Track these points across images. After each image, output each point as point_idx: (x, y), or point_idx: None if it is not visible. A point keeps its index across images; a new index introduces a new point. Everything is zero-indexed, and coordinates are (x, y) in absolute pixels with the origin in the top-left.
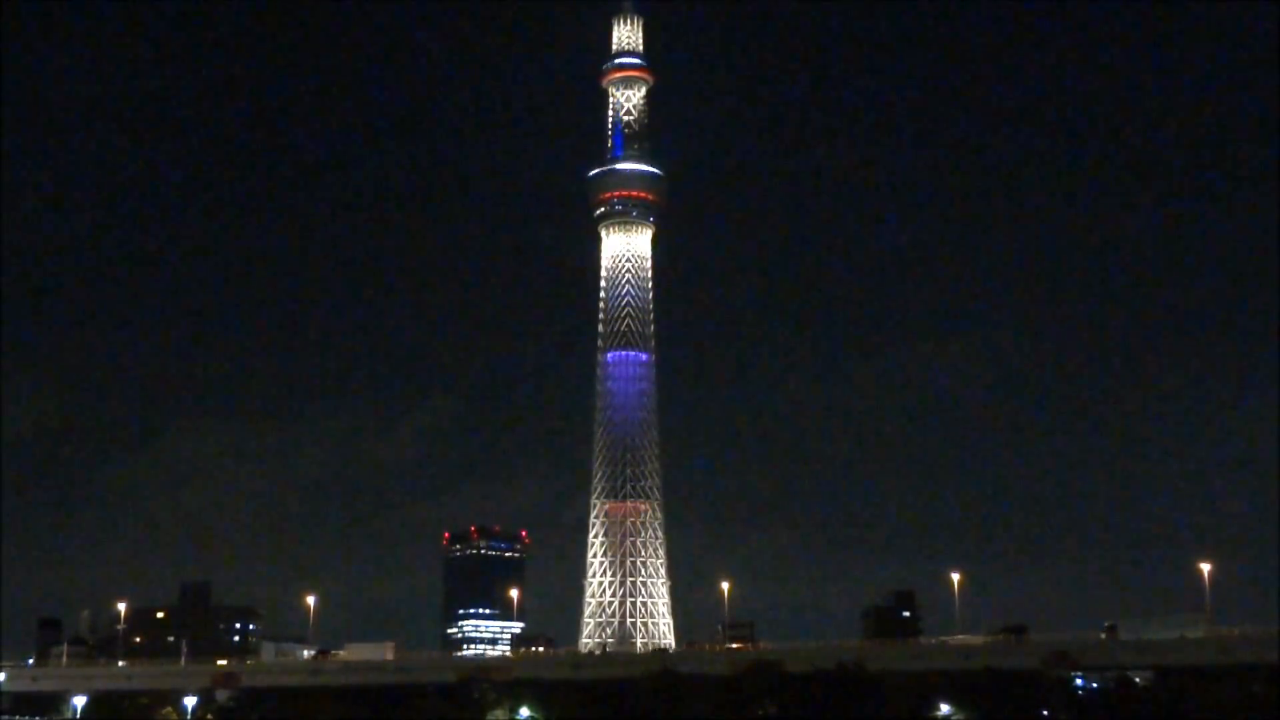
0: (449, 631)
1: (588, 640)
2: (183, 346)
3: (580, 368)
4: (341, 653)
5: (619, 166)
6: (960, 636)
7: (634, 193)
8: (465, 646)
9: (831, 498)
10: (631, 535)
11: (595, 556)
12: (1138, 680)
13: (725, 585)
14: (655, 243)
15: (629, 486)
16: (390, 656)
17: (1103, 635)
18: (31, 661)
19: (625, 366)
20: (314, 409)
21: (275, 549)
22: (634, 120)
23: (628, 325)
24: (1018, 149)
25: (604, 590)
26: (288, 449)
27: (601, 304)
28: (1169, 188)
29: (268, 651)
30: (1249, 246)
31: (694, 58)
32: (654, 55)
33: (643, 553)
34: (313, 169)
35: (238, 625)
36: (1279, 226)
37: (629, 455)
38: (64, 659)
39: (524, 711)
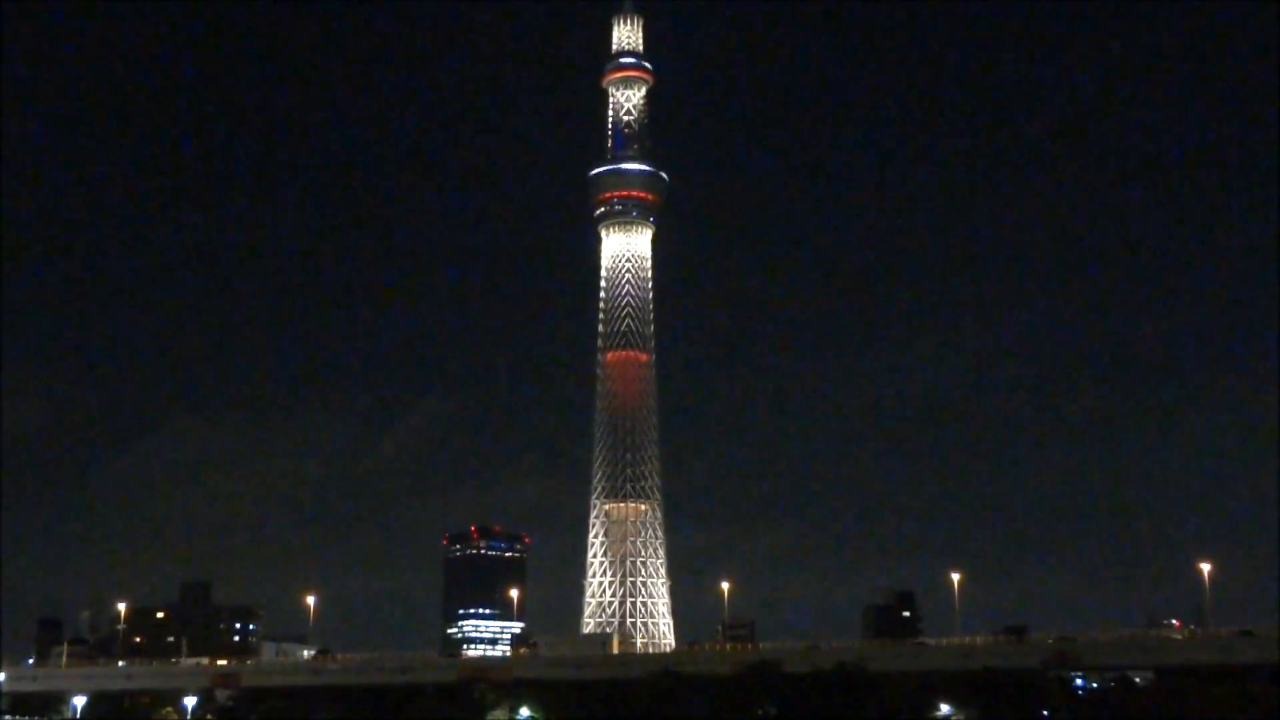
0: (449, 631)
1: None
2: (181, 345)
3: (580, 368)
4: None
5: (619, 166)
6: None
7: (634, 193)
8: (465, 646)
9: (831, 497)
10: (631, 535)
11: (595, 556)
12: (1138, 680)
13: (725, 585)
14: (655, 243)
15: (629, 486)
16: None
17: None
18: (31, 661)
19: (625, 366)
20: (314, 408)
21: (275, 549)
22: (634, 120)
23: (628, 325)
24: (1018, 148)
25: (604, 590)
26: (287, 448)
27: (601, 304)
28: (1169, 187)
29: (268, 651)
30: (1249, 246)
31: (694, 58)
32: (654, 55)
33: (643, 553)
34: (312, 168)
35: (238, 625)
36: (1279, 226)
37: (629, 455)
38: (64, 659)
39: (524, 711)
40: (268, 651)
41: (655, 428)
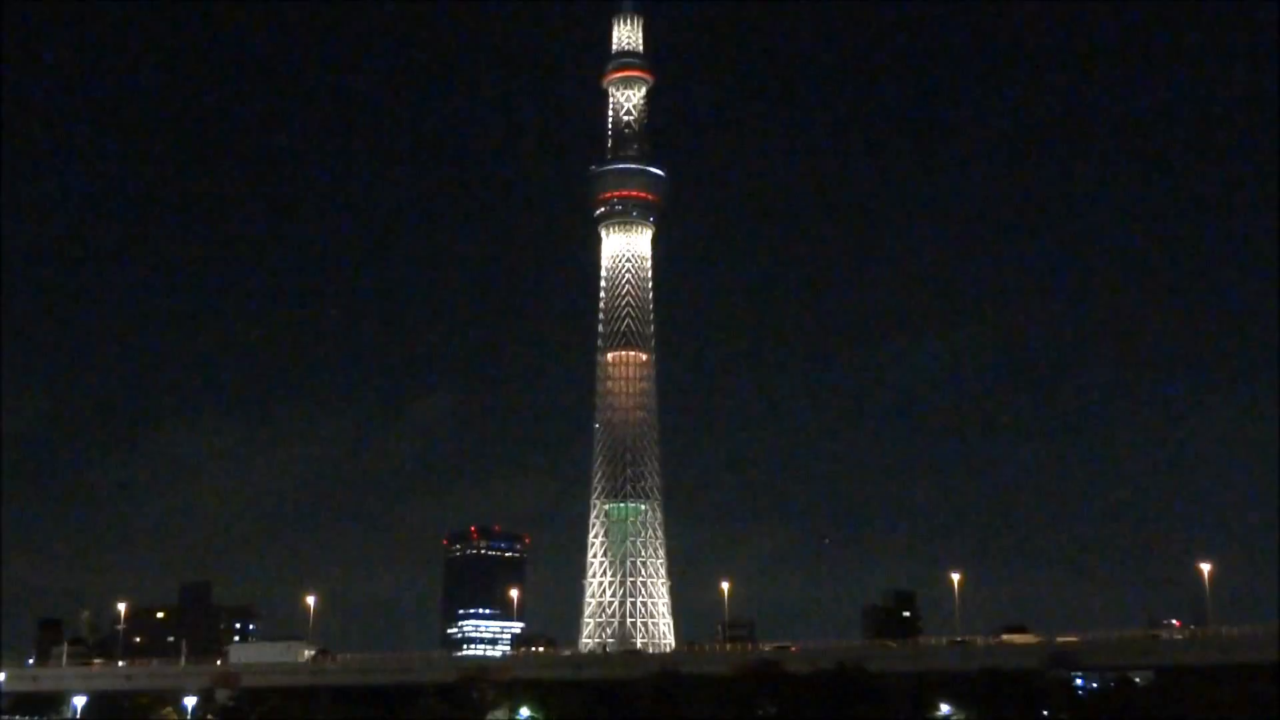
0: (449, 631)
1: (588, 640)
2: (180, 345)
3: (580, 368)
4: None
5: (619, 166)
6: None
7: (634, 193)
8: (465, 646)
9: (831, 497)
10: (631, 535)
11: (595, 556)
12: (1138, 680)
13: (725, 585)
14: (655, 243)
15: (629, 486)
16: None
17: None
18: (31, 661)
19: (625, 366)
20: (313, 408)
21: (275, 549)
22: (634, 120)
23: (628, 325)
24: (1017, 147)
25: (604, 590)
26: (287, 448)
27: (601, 304)
28: (1168, 184)
29: None
30: (1249, 246)
31: (694, 58)
32: (654, 55)
33: (643, 553)
34: (312, 168)
35: (238, 625)
36: (1279, 226)
37: (629, 455)
38: (64, 659)
39: (524, 711)
40: None
41: (655, 428)
